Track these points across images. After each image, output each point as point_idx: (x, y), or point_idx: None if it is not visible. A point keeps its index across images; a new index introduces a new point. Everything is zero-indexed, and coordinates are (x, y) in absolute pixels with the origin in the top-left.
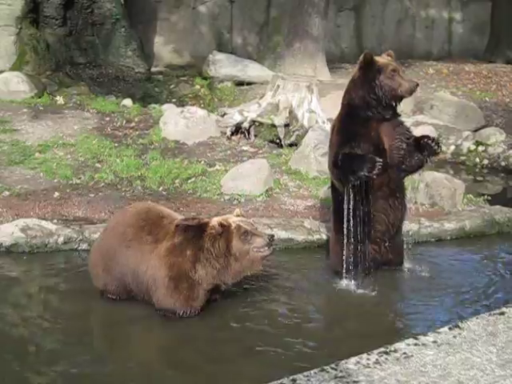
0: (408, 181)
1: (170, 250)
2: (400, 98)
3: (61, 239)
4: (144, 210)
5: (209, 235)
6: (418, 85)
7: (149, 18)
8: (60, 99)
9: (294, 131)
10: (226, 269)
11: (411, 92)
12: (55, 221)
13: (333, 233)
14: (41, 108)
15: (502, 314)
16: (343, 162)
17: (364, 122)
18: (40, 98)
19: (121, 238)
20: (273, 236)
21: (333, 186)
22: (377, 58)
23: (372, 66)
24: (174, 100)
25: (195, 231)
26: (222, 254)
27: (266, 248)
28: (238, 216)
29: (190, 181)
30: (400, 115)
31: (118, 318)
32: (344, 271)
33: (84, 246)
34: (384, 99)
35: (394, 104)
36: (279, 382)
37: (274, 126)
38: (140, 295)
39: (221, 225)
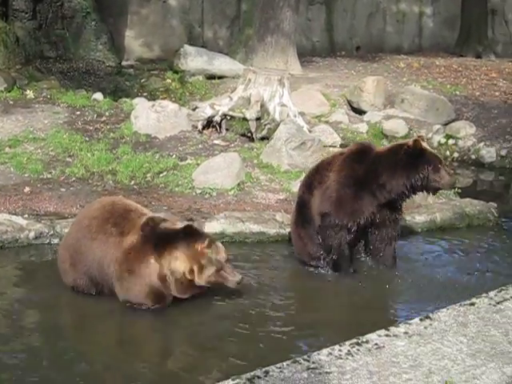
0: None
1: (136, 244)
2: (437, 190)
3: (32, 234)
4: (109, 203)
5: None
6: (455, 182)
7: (119, 12)
8: (30, 93)
9: (265, 125)
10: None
11: (451, 186)
12: (26, 216)
13: (293, 225)
14: (11, 102)
15: (473, 304)
16: (332, 229)
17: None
18: (10, 92)
19: (86, 230)
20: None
21: (302, 186)
22: (424, 146)
23: (423, 155)
24: (145, 94)
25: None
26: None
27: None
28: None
29: (161, 175)
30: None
31: (88, 312)
32: (312, 262)
33: (55, 241)
34: (423, 189)
35: (427, 194)
36: (252, 373)
37: (245, 119)
38: (106, 288)
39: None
